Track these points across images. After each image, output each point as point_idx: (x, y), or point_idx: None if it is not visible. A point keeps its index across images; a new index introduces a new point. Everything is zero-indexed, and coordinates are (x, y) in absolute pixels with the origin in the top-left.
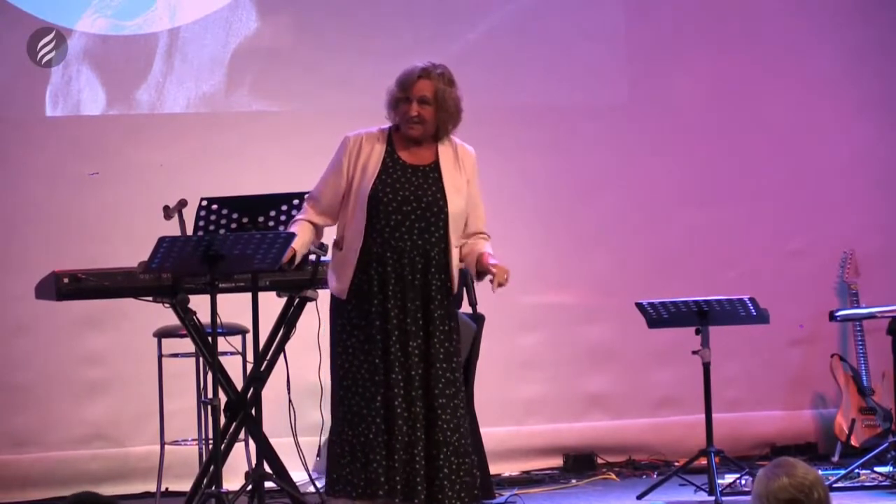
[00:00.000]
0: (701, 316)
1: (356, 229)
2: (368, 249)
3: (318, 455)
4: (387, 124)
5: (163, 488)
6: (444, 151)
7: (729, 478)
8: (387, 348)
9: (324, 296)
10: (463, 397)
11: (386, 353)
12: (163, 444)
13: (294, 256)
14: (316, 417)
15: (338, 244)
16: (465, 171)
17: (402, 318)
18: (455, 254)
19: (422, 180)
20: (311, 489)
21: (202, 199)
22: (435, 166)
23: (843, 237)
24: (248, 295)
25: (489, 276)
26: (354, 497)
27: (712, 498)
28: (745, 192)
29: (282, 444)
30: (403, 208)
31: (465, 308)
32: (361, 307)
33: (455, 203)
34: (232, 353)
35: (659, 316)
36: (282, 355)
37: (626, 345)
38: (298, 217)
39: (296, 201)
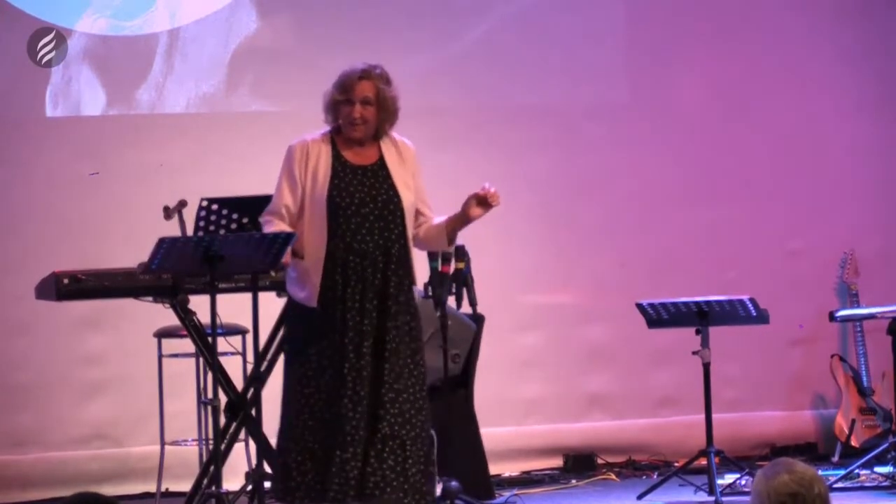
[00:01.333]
0: (701, 316)
1: (317, 236)
2: (332, 255)
3: None
4: (325, 128)
5: (163, 488)
6: (386, 148)
7: (729, 478)
8: (345, 352)
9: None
10: (422, 392)
11: (344, 358)
12: (163, 444)
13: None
14: None
15: (296, 253)
16: (408, 165)
17: (359, 319)
18: (411, 247)
19: (373, 180)
20: None
21: (202, 200)
22: (381, 164)
23: (843, 237)
24: (248, 295)
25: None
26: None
27: (712, 498)
28: (745, 192)
29: None
30: (362, 210)
31: (466, 308)
32: (327, 314)
33: (407, 198)
34: (232, 354)
35: (659, 316)
36: (282, 355)
37: (626, 345)
38: (266, 230)
39: None
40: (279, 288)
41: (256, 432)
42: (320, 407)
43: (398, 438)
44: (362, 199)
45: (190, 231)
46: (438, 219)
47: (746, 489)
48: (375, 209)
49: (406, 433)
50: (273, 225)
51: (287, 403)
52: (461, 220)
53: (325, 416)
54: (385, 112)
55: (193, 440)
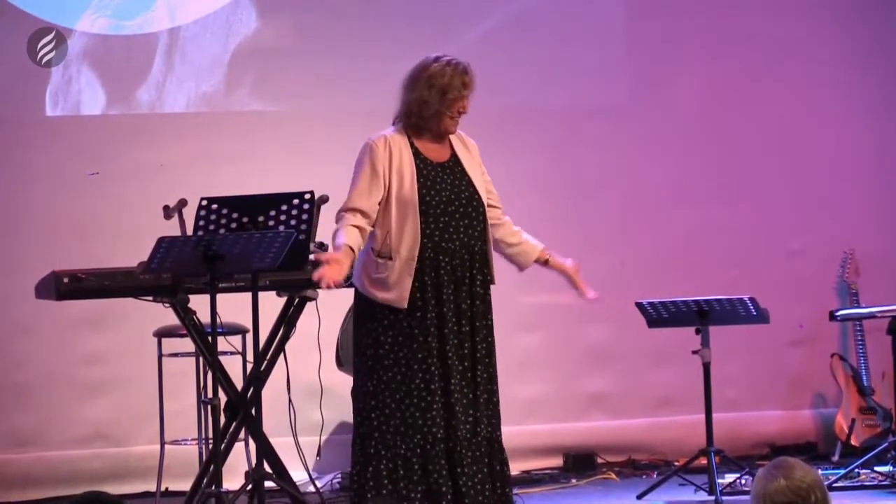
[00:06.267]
0: (701, 316)
1: (410, 236)
2: (422, 256)
3: (318, 455)
4: (391, 127)
5: (163, 488)
6: (456, 145)
7: (729, 477)
8: (444, 354)
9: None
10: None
11: (444, 360)
12: (163, 443)
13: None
14: (316, 417)
15: (380, 253)
16: (476, 160)
17: (457, 320)
18: (491, 244)
19: (451, 177)
20: (311, 489)
21: (202, 199)
22: (455, 161)
23: (843, 237)
24: (248, 295)
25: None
26: None
27: (712, 498)
28: (744, 192)
29: (282, 444)
30: (448, 209)
31: None
32: (415, 316)
33: (484, 194)
34: (232, 353)
35: (659, 316)
36: (282, 355)
37: (626, 345)
38: (341, 225)
39: (296, 201)
40: (279, 288)
41: (256, 432)
42: (412, 412)
43: (496, 442)
44: (448, 198)
45: (190, 231)
46: (529, 238)
47: (746, 488)
48: (460, 207)
49: (498, 435)
50: (347, 221)
51: (376, 406)
52: (550, 265)
53: (417, 421)
54: None
55: (193, 440)
